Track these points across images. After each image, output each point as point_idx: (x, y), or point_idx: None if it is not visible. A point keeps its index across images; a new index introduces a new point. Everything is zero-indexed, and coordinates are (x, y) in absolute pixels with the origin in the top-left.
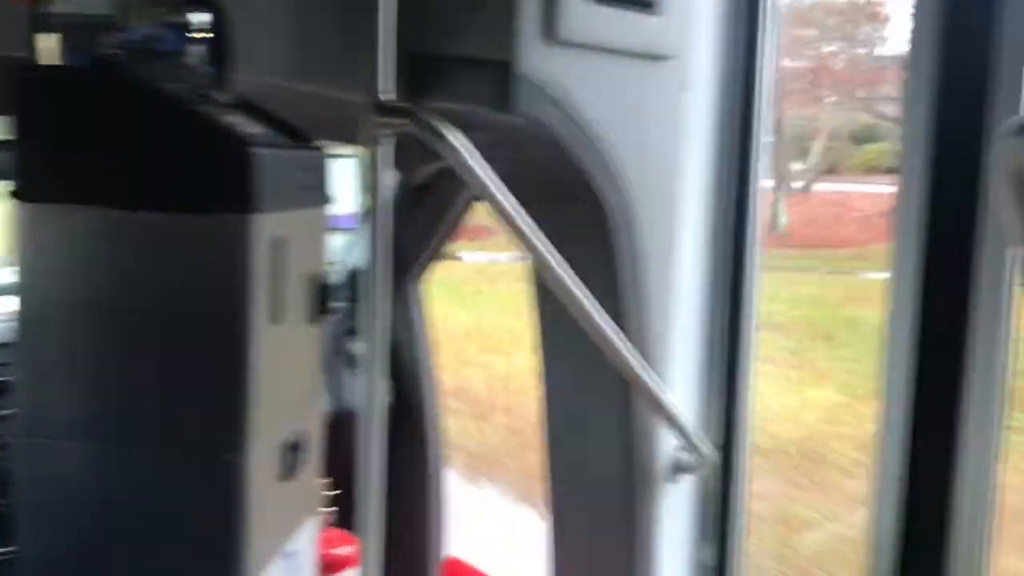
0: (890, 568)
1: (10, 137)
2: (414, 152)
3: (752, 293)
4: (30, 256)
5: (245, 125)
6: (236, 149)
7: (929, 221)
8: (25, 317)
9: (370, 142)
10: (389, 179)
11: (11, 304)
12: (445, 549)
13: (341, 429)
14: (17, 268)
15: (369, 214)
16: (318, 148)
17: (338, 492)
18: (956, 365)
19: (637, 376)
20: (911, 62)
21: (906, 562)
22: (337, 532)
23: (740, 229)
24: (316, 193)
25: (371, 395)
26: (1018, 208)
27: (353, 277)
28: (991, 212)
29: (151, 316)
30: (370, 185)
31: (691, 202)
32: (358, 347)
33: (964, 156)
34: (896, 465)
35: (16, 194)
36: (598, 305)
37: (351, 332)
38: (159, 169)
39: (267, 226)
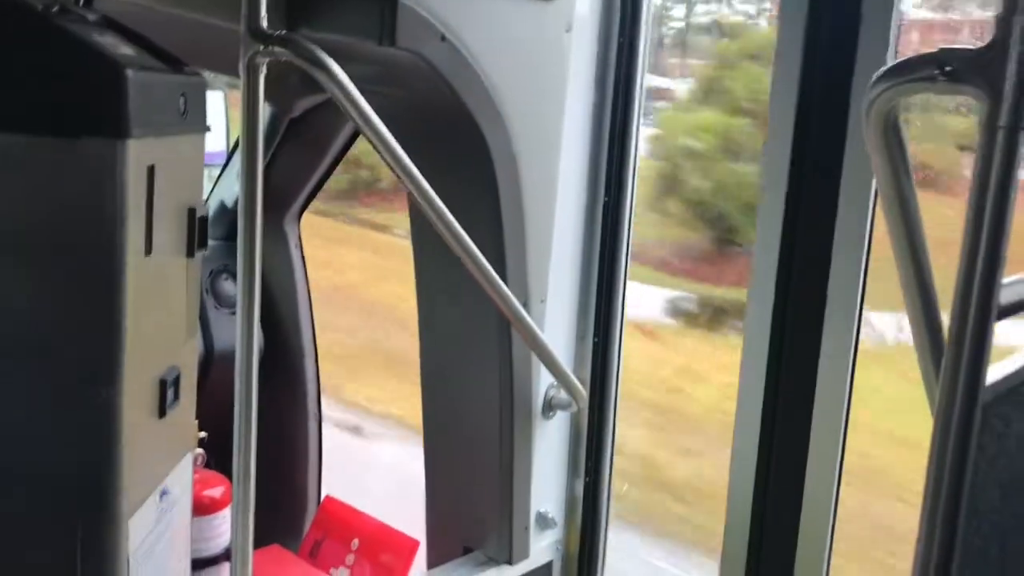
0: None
1: None
2: (289, 84)
3: (627, 237)
4: None
5: (115, 45)
6: (107, 69)
7: (795, 166)
8: None
9: (246, 71)
10: (264, 111)
11: None
12: (321, 490)
13: (213, 370)
14: None
15: (243, 147)
16: (195, 73)
17: (211, 434)
18: (816, 297)
19: (515, 314)
20: (782, 14)
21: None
22: (210, 473)
23: (621, 171)
24: (192, 120)
25: (244, 336)
26: (887, 152)
27: (225, 214)
28: (853, 160)
29: (14, 246)
30: (245, 116)
31: (573, 142)
32: (231, 286)
33: (831, 106)
34: (756, 409)
35: None
36: (477, 244)
37: (224, 271)
38: (21, 89)
39: (140, 152)
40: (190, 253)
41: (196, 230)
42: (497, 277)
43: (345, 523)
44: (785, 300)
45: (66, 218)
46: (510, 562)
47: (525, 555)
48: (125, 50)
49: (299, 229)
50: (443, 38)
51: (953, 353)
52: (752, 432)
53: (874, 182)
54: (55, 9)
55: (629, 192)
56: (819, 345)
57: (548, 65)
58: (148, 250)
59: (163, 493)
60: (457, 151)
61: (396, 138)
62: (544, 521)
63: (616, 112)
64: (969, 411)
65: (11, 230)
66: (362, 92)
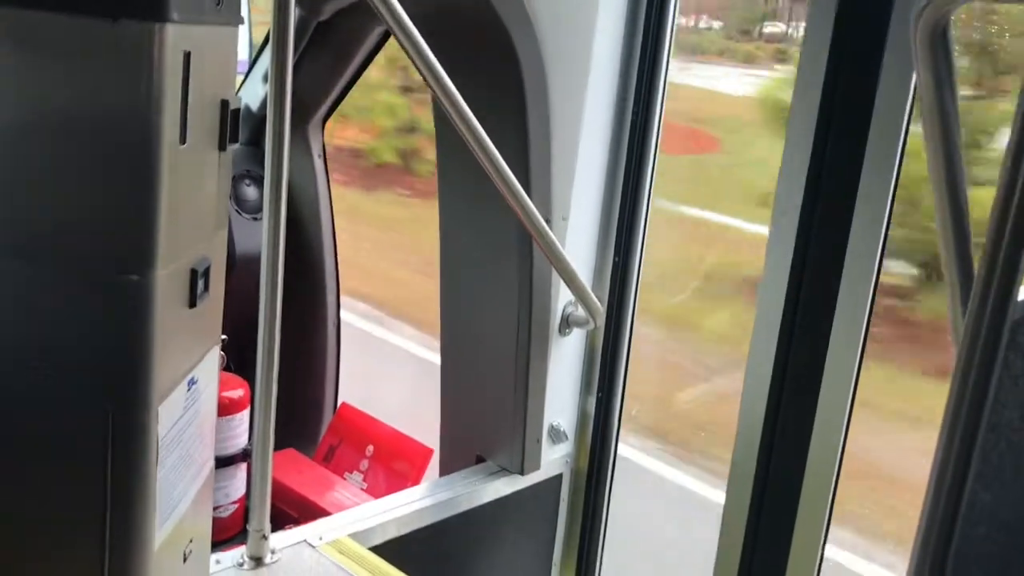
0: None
1: None
2: None
3: (654, 156)
4: None
5: None
6: None
7: (829, 80)
8: None
9: None
10: (294, 12)
11: None
12: (338, 397)
13: (234, 275)
14: None
15: (273, 48)
16: None
17: (230, 337)
18: (840, 222)
19: (538, 230)
20: None
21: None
22: (229, 376)
23: (651, 88)
24: (227, 11)
25: (270, 239)
26: (933, 67)
27: (249, 119)
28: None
29: (50, 130)
30: (276, 15)
31: (603, 56)
32: (253, 192)
33: (867, 30)
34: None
35: None
36: (503, 157)
37: (246, 176)
38: None
39: (177, 37)
40: (222, 146)
41: (228, 123)
42: (522, 191)
43: (360, 430)
44: (808, 229)
45: (102, 102)
46: (521, 472)
47: (536, 466)
48: None
49: (323, 137)
50: None
51: (987, 265)
52: (767, 360)
53: (906, 112)
54: None
55: (658, 110)
56: (840, 271)
57: None
58: (183, 139)
59: (191, 382)
60: (485, 59)
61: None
62: (556, 434)
63: (648, 27)
64: (998, 325)
65: (46, 114)
66: None
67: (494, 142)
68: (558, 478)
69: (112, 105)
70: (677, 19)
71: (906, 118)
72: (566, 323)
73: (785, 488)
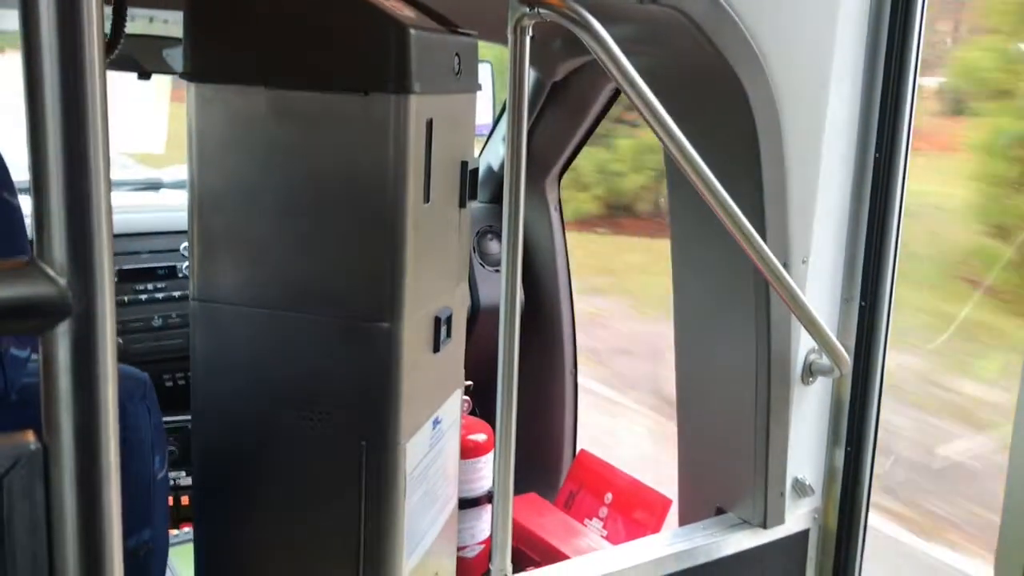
0: None
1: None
2: (552, 48)
3: (901, 195)
4: (199, 134)
5: (399, 8)
6: (395, 30)
7: None
8: (195, 189)
9: (514, 33)
10: (529, 76)
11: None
12: (576, 444)
13: (478, 323)
14: (189, 145)
15: (509, 108)
16: (468, 35)
17: (475, 383)
18: None
19: (775, 275)
20: None
21: None
22: (474, 420)
23: (895, 126)
24: (465, 79)
25: (508, 292)
26: None
27: (491, 178)
28: None
29: (309, 192)
30: (512, 78)
31: (841, 97)
32: (495, 246)
33: None
34: None
35: (186, 75)
36: (736, 202)
37: (489, 231)
38: (320, 50)
39: (421, 107)
40: (462, 204)
41: (467, 182)
42: (757, 236)
43: (599, 477)
44: None
45: (355, 167)
46: (764, 526)
47: (780, 521)
48: (408, 13)
49: (559, 192)
50: None
51: None
52: None
53: None
54: None
55: (903, 148)
56: None
57: (815, 19)
58: (427, 198)
59: (436, 422)
60: (717, 109)
61: (656, 98)
62: (801, 488)
63: (890, 65)
64: None
65: (306, 179)
66: (624, 52)
67: (727, 188)
68: (804, 534)
69: (364, 169)
70: (921, 52)
71: None
72: (809, 372)
73: None
